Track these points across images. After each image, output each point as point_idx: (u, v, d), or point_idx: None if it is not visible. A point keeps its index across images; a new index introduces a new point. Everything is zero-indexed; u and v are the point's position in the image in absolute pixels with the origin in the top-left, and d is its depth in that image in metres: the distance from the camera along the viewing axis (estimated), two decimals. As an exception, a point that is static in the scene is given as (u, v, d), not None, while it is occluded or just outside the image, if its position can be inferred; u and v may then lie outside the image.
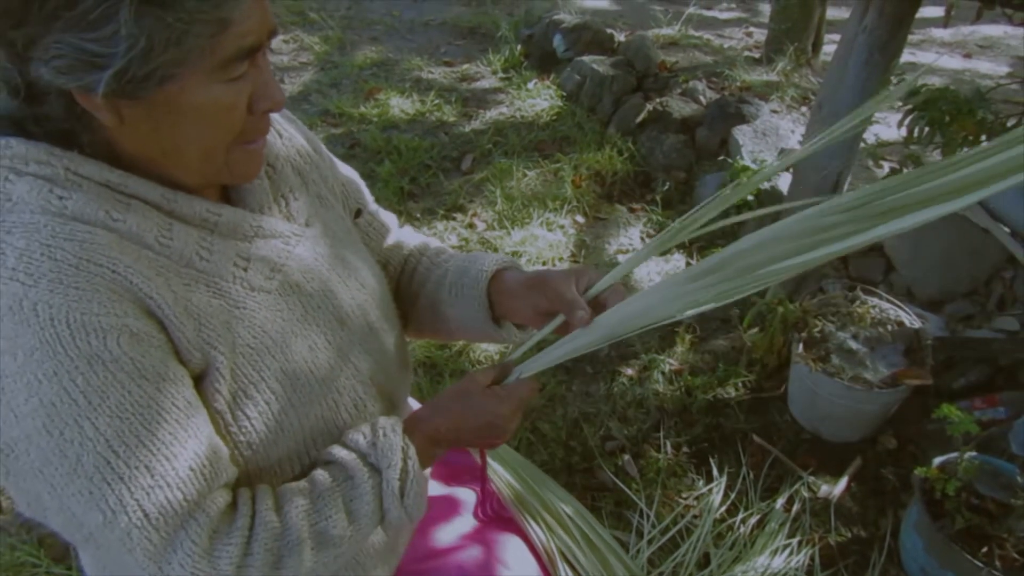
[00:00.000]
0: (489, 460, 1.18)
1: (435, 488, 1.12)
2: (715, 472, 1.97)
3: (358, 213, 1.04)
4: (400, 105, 3.86)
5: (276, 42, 4.92)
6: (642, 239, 2.98)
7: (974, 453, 1.64)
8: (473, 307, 0.98)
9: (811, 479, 1.97)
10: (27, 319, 0.62)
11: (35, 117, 0.68)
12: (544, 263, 2.79)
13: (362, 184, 1.06)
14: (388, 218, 1.10)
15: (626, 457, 2.05)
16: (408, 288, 1.09)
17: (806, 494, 1.94)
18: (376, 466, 0.80)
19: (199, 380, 0.74)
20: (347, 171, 1.03)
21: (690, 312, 0.77)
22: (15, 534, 1.77)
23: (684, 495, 1.95)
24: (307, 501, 0.76)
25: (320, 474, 0.79)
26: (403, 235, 1.12)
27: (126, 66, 0.61)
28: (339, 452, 0.81)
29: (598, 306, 0.87)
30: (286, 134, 0.92)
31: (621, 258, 2.85)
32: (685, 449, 2.08)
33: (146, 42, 0.61)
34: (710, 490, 1.92)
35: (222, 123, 0.70)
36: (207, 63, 0.66)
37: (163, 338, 0.70)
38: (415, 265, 1.09)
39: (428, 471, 1.00)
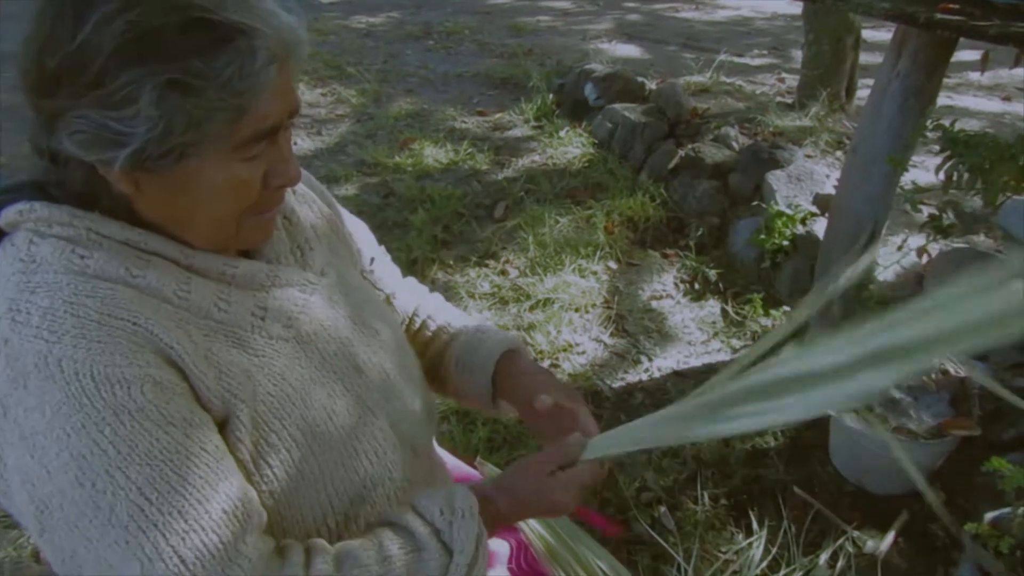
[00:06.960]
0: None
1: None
2: (755, 525, 1.91)
3: (371, 261, 1.06)
4: (434, 155, 3.92)
5: (314, 95, 5.01)
6: (675, 284, 2.96)
7: (1028, 509, 1.57)
8: (478, 386, 1.01)
9: (856, 534, 1.90)
10: (52, 375, 0.64)
11: (58, 180, 0.72)
12: (577, 310, 2.78)
13: (371, 235, 1.08)
14: (393, 268, 1.12)
15: (662, 509, 2.00)
16: (412, 343, 1.10)
17: (851, 549, 1.86)
18: (449, 546, 0.78)
19: (220, 430, 0.74)
20: (356, 222, 1.06)
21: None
22: (50, 582, 1.78)
23: (723, 549, 1.89)
24: (373, 564, 0.75)
25: (389, 538, 0.78)
26: (408, 286, 1.14)
27: (144, 145, 0.64)
28: (413, 521, 0.79)
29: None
30: (300, 189, 0.95)
31: (655, 304, 2.84)
32: (723, 501, 2.03)
33: (165, 125, 0.64)
34: (750, 544, 1.86)
35: (235, 197, 0.73)
36: (225, 144, 0.68)
37: (185, 386, 0.71)
38: (419, 325, 1.11)
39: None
